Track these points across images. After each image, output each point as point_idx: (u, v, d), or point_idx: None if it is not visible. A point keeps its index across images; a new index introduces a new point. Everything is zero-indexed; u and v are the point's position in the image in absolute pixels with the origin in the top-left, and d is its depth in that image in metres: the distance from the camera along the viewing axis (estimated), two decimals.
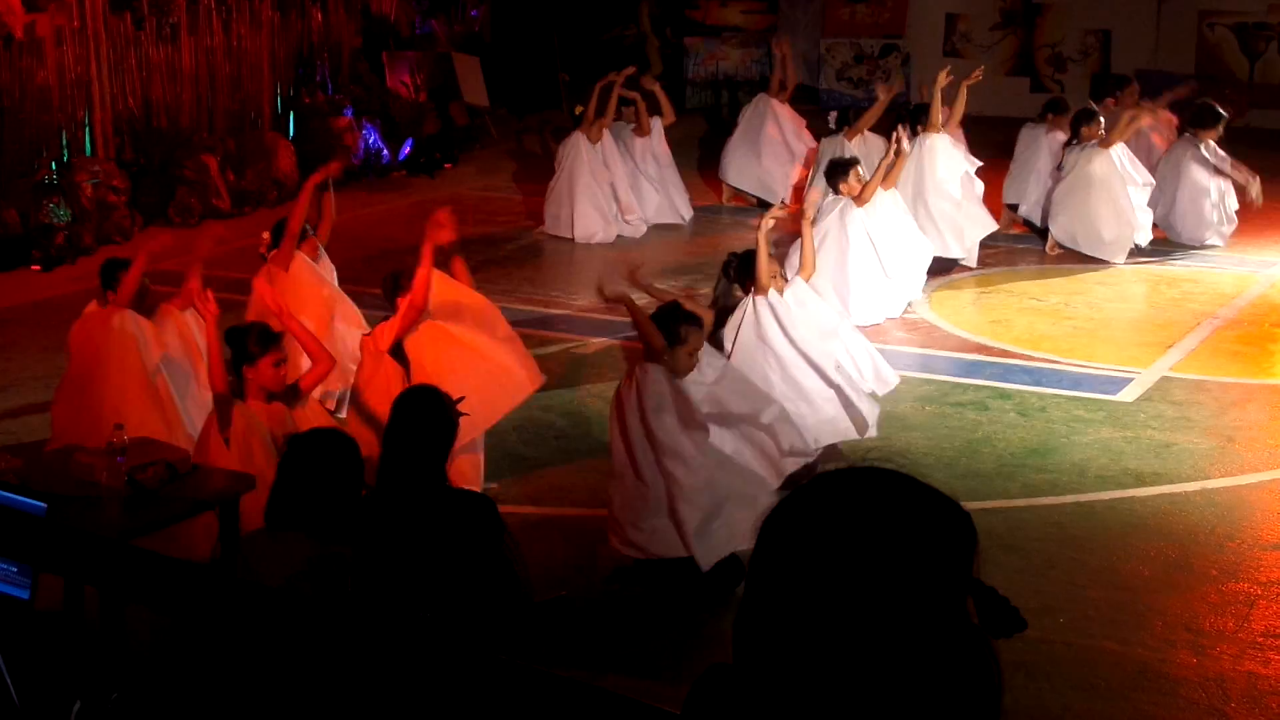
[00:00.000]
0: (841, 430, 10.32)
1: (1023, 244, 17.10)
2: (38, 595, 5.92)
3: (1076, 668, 7.95)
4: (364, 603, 5.93)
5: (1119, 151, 16.34)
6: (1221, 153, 17.02)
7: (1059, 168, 16.76)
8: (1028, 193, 17.30)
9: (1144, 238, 16.56)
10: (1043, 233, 16.94)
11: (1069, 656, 8.00)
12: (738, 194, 19.36)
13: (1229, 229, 17.23)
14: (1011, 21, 26.52)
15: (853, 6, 27.36)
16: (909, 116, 16.45)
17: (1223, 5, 25.18)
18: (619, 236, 17.54)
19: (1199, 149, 17.07)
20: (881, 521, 2.54)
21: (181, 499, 7.91)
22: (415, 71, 22.47)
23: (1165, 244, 16.98)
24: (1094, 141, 16.28)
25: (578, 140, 17.56)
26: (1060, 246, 16.71)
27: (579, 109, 18.29)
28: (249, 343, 8.59)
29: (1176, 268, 16.39)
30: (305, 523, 6.36)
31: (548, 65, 25.56)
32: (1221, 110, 17.22)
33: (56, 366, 12.22)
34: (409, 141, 21.46)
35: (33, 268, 15.72)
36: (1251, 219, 17.58)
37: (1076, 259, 16.44)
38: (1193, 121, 17.28)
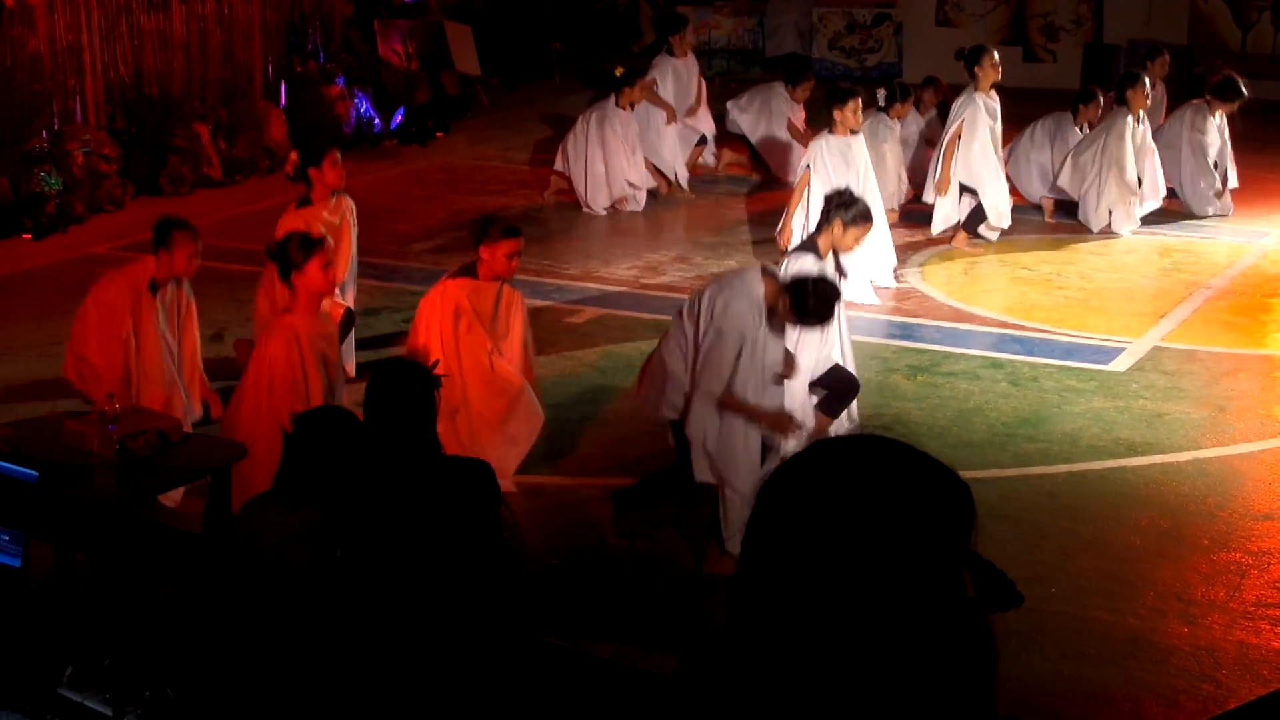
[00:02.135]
0: None
1: (1017, 213, 17.08)
2: (30, 563, 5.92)
3: (1068, 637, 7.96)
4: (354, 571, 5.92)
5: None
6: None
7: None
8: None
9: (1152, 205, 16.56)
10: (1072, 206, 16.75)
11: (1061, 626, 8.01)
12: (734, 163, 19.32)
13: (1228, 203, 17.22)
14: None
15: None
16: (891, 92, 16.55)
17: None
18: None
19: (1211, 118, 17.02)
20: (880, 490, 2.54)
21: (174, 467, 7.91)
22: (407, 40, 22.40)
23: (1166, 215, 16.92)
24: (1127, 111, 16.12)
25: (615, 111, 17.38)
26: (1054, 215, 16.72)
27: (619, 70, 18.11)
28: (291, 251, 8.62)
29: (1169, 237, 16.38)
30: (314, 499, 6.35)
31: (540, 34, 25.50)
32: (1245, 89, 17.14)
33: (49, 334, 12.22)
34: (401, 110, 21.41)
35: (24, 236, 15.68)
36: (1244, 190, 17.58)
37: (1070, 228, 16.43)
38: (1214, 91, 17.13)
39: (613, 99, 17.26)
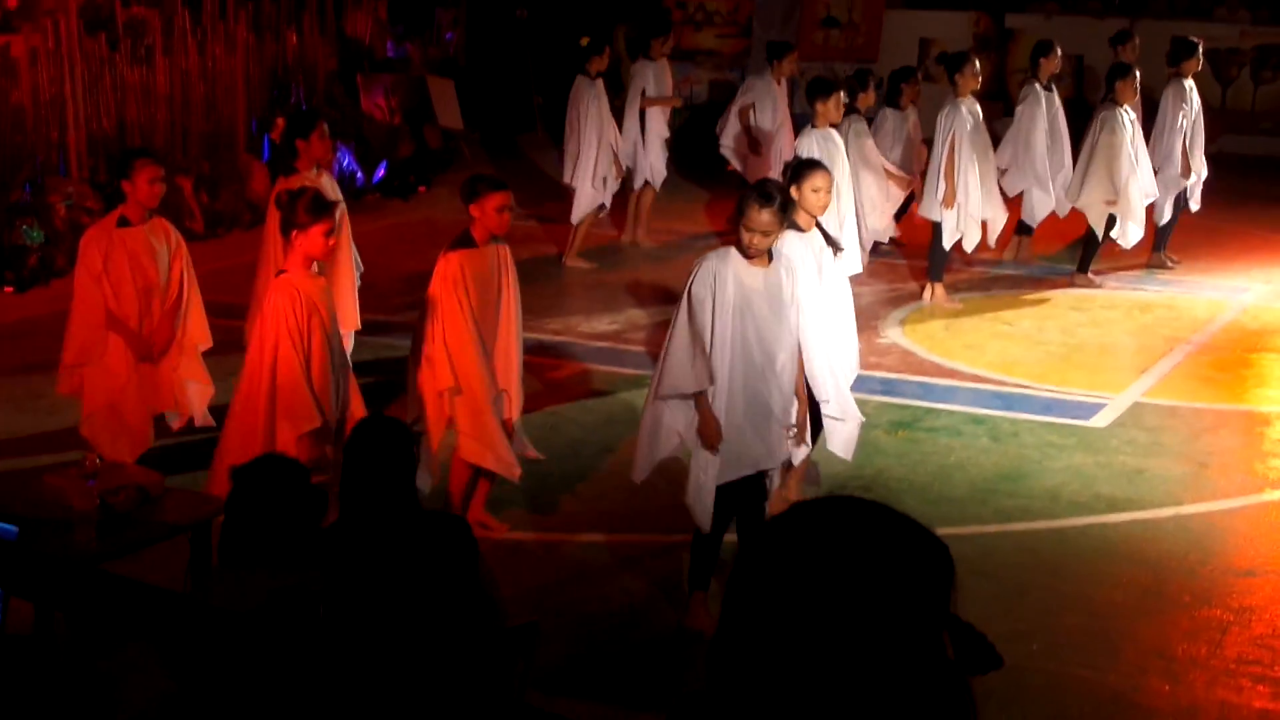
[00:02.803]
0: None
1: (999, 269, 17.11)
2: (7, 619, 5.90)
3: (1049, 695, 7.95)
4: (336, 631, 5.89)
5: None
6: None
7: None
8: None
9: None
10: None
11: (1042, 684, 7.99)
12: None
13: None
14: (985, 46, 26.51)
15: (826, 31, 27.42)
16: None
17: (1195, 31, 25.22)
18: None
19: (1181, 85, 17.07)
20: (859, 553, 2.54)
21: (153, 523, 7.89)
22: (390, 94, 22.45)
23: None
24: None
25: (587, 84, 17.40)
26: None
27: (584, 40, 17.99)
28: (300, 208, 8.62)
29: (1149, 293, 16.42)
30: (261, 557, 6.23)
31: (522, 88, 25.56)
32: (1194, 38, 17.32)
33: (30, 388, 12.20)
34: (383, 164, 21.44)
35: (5, 289, 15.67)
36: (1223, 244, 17.65)
37: (1050, 283, 16.48)
38: (1173, 59, 17.14)
39: (582, 76, 17.34)
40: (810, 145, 13.24)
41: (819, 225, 9.86)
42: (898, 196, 16.05)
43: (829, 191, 9.77)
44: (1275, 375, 13.72)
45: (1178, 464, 11.31)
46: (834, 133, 13.61)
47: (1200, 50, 17.02)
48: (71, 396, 10.22)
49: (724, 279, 8.41)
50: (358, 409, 9.04)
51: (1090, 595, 9.15)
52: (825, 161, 12.64)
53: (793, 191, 9.55)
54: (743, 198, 8.43)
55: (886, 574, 2.51)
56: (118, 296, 9.83)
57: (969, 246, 15.74)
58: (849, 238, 12.96)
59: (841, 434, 9.64)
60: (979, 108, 15.64)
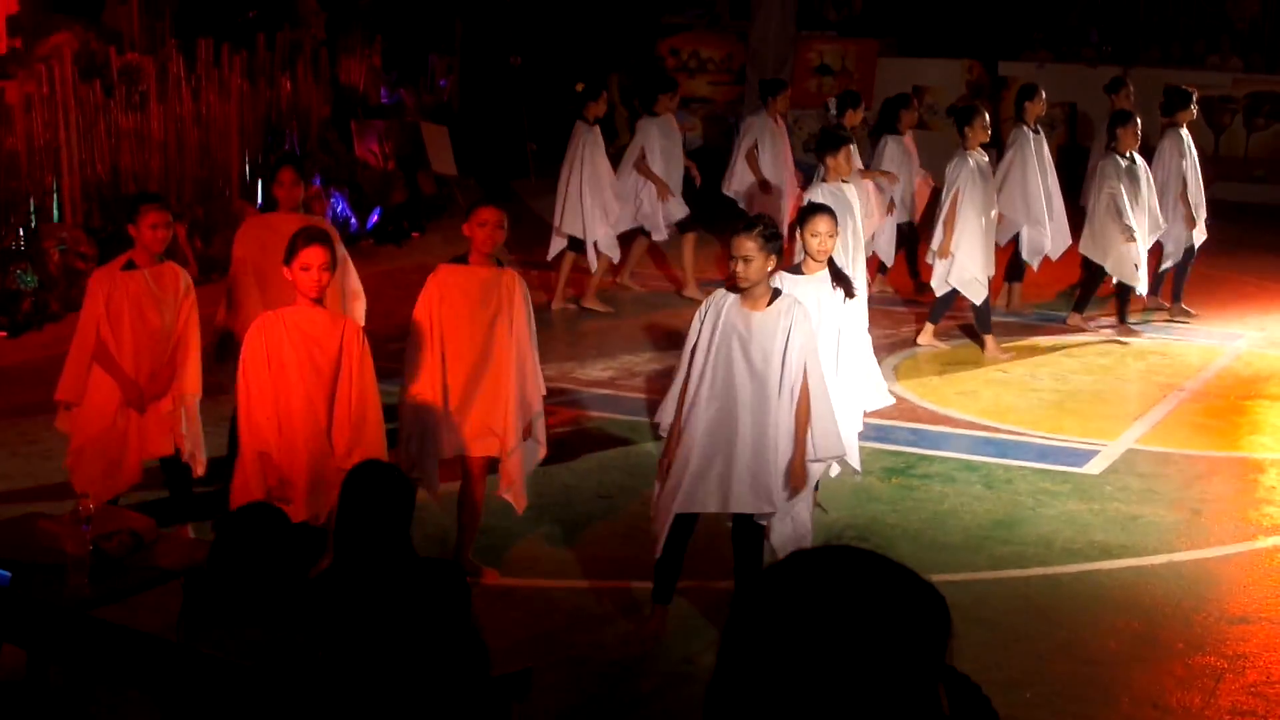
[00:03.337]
0: None
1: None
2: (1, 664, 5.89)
3: None
4: (332, 676, 5.87)
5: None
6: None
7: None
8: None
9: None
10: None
11: None
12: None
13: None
14: (978, 94, 26.61)
15: (820, 78, 27.52)
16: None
17: (1188, 79, 25.33)
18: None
19: (1179, 135, 17.12)
20: (856, 604, 2.53)
21: (146, 568, 7.87)
22: (383, 140, 22.49)
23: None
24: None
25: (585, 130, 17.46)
26: None
27: (579, 86, 18.00)
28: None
29: (1143, 340, 16.43)
30: (248, 610, 6.13)
31: (516, 135, 25.61)
32: (1188, 87, 17.44)
33: (24, 433, 12.19)
34: (377, 210, 21.46)
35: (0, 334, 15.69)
36: (1217, 292, 17.67)
37: (1044, 329, 16.50)
38: (1168, 109, 17.22)
39: (580, 122, 17.35)
40: (819, 199, 13.10)
41: (833, 266, 9.94)
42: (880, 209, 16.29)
43: (831, 236, 9.79)
44: (1269, 422, 13.73)
45: (1171, 511, 11.31)
46: (846, 187, 13.41)
47: (1195, 100, 17.09)
48: (64, 434, 10.21)
49: (712, 314, 8.61)
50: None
51: (1084, 642, 9.14)
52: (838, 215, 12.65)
53: (798, 237, 9.70)
54: (731, 230, 8.62)
55: (883, 624, 2.51)
56: (116, 339, 9.81)
57: (977, 299, 15.66)
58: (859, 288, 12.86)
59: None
60: (986, 159, 15.62)
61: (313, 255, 8.52)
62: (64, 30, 18.46)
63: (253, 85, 20.36)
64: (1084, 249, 16.42)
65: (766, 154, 18.17)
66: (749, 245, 8.42)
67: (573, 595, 9.69)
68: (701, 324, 8.63)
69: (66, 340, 10.18)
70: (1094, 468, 12.22)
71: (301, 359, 8.59)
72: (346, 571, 6.29)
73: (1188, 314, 17.33)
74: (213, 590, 6.25)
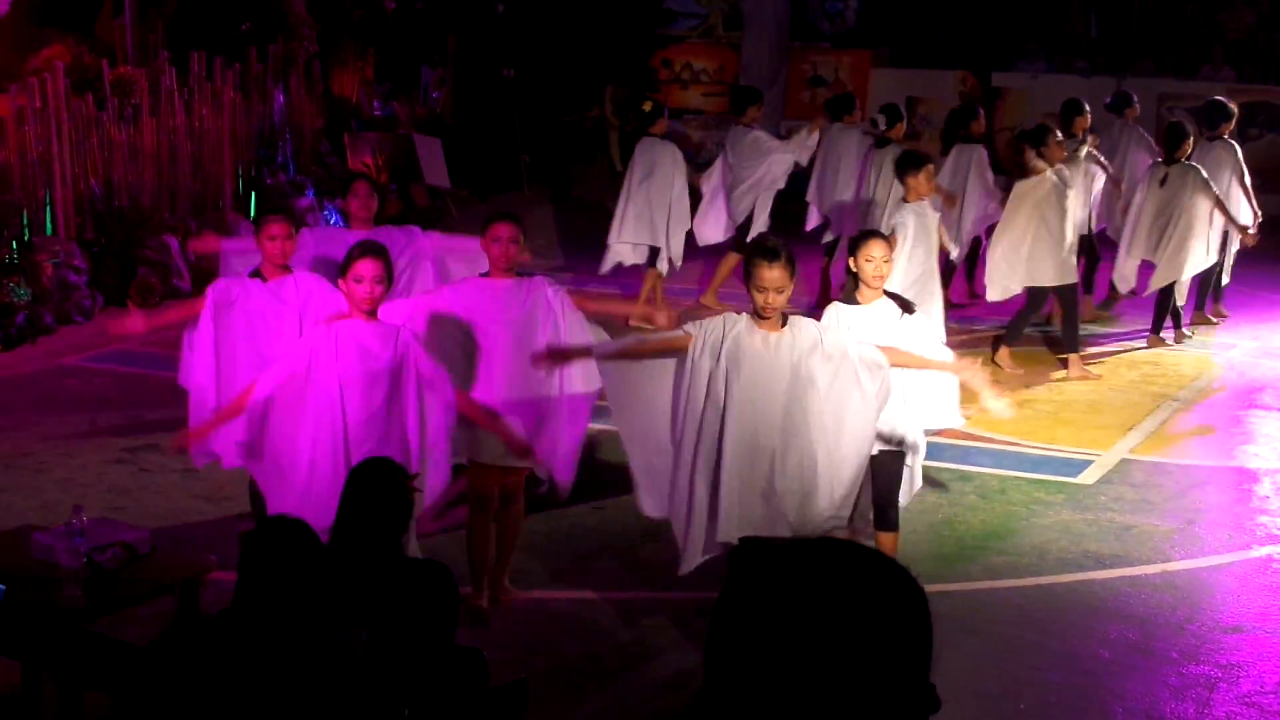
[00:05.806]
0: None
1: (984, 324, 17.12)
2: None
3: None
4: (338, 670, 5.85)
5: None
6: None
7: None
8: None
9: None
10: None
11: None
12: None
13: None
14: (970, 105, 26.62)
15: (814, 90, 27.51)
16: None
17: (1182, 89, 25.39)
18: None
19: (1230, 146, 17.15)
20: (837, 594, 2.54)
21: (141, 580, 7.87)
22: (377, 152, 22.50)
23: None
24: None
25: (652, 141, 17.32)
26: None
27: (647, 105, 17.88)
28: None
29: (1136, 350, 16.44)
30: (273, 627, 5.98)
31: (509, 147, 25.62)
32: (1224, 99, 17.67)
33: (17, 446, 12.18)
34: None
35: None
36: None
37: (1037, 340, 16.50)
38: (1211, 123, 17.29)
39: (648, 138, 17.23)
40: (907, 220, 12.93)
41: (888, 294, 9.57)
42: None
43: (886, 261, 9.43)
44: (1262, 432, 13.74)
45: (1165, 520, 11.32)
46: (928, 206, 13.27)
47: (1235, 112, 17.15)
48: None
49: (713, 345, 8.22)
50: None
51: (1078, 652, 9.14)
52: (921, 235, 12.51)
53: (851, 264, 9.44)
54: (747, 260, 8.23)
55: (867, 612, 2.52)
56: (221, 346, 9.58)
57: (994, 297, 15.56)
58: (936, 310, 12.75)
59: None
60: (1067, 172, 15.36)
61: (366, 267, 8.48)
62: (56, 43, 18.45)
63: (245, 98, 20.36)
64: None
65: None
66: (781, 277, 8.03)
67: (570, 605, 9.69)
68: (702, 337, 8.25)
69: (59, 353, 10.18)
70: (1088, 477, 12.23)
71: (356, 371, 8.49)
72: (337, 567, 6.29)
73: (1210, 321, 17.53)
74: (243, 611, 5.87)
